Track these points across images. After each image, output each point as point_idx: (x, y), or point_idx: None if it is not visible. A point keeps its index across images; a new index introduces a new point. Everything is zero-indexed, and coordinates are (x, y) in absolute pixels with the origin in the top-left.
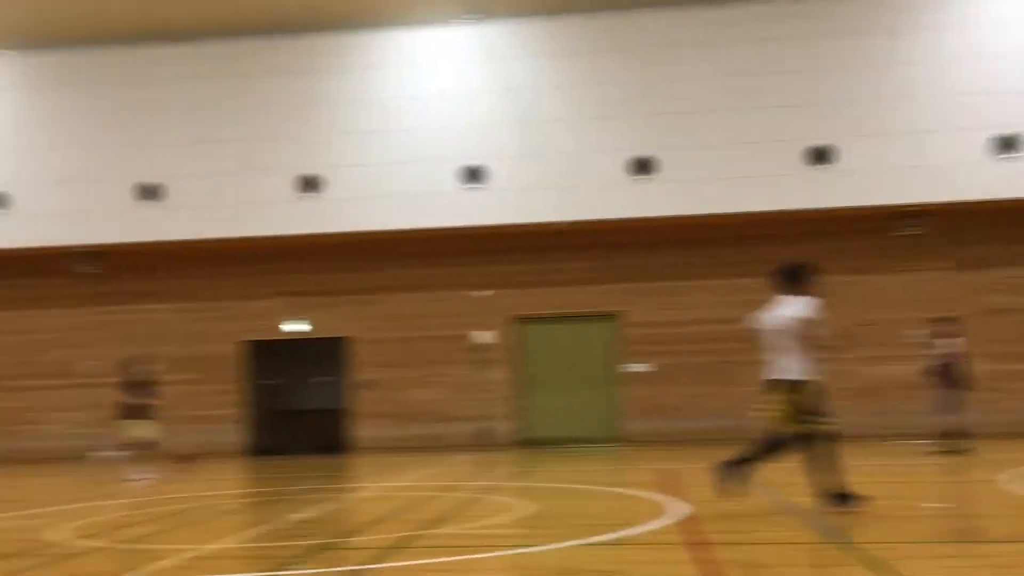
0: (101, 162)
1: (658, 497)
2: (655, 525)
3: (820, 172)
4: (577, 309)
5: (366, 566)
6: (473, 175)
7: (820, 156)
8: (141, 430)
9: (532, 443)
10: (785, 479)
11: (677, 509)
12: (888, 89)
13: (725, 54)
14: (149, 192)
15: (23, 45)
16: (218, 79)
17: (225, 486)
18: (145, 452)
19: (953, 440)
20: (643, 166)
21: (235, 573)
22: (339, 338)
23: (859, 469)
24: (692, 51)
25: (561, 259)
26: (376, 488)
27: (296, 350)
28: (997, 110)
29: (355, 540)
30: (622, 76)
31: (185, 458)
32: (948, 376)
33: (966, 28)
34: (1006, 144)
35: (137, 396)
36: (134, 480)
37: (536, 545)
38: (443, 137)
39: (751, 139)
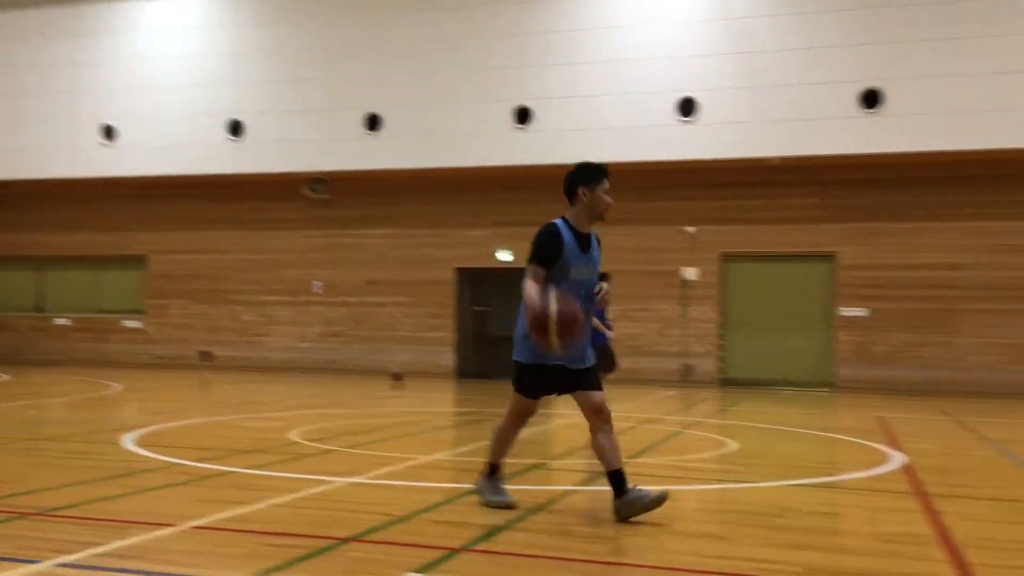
0: (329, 93)
1: (871, 444)
2: (870, 472)
3: None
4: (789, 248)
5: (576, 487)
6: (686, 108)
7: None
8: None
9: (735, 383)
10: (1009, 435)
11: (892, 458)
12: None
13: None
14: (372, 122)
15: None
16: (437, 11)
17: (436, 404)
18: None
19: None
20: (870, 99)
21: (448, 483)
22: None
23: None
24: None
25: (774, 196)
26: (579, 416)
27: (507, 279)
28: None
29: (562, 463)
30: (845, 6)
31: (396, 376)
32: None
33: None
34: None
35: None
36: None
37: (743, 482)
38: (655, 68)
39: (988, 72)
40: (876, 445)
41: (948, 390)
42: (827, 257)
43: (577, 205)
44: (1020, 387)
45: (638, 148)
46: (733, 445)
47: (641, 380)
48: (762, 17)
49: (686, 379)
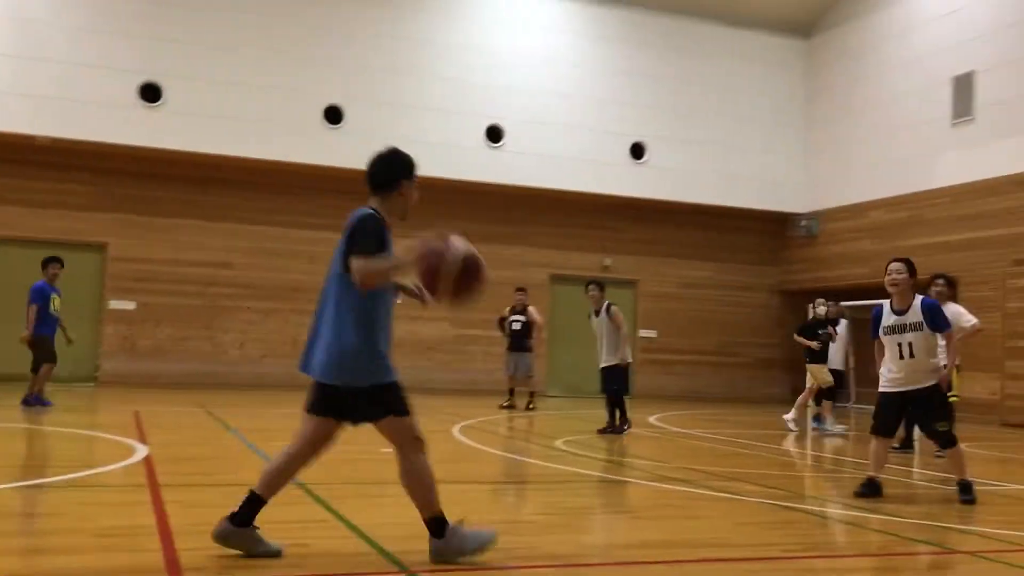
0: None
1: (121, 439)
2: (109, 468)
3: (332, 132)
4: (59, 236)
5: None
6: None
7: (333, 117)
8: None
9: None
10: (252, 424)
11: (136, 451)
12: (398, 62)
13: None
14: None
15: None
16: None
17: None
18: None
19: (529, 397)
20: (152, 93)
21: None
22: None
23: None
24: None
25: (42, 178)
26: None
27: None
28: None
29: None
30: None
31: None
32: (522, 341)
33: (465, 25)
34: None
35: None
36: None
37: None
38: None
39: (267, 85)
40: (126, 440)
41: (212, 383)
42: (98, 247)
43: (394, 198)
44: (272, 378)
45: None
46: None
47: None
48: None
49: None
